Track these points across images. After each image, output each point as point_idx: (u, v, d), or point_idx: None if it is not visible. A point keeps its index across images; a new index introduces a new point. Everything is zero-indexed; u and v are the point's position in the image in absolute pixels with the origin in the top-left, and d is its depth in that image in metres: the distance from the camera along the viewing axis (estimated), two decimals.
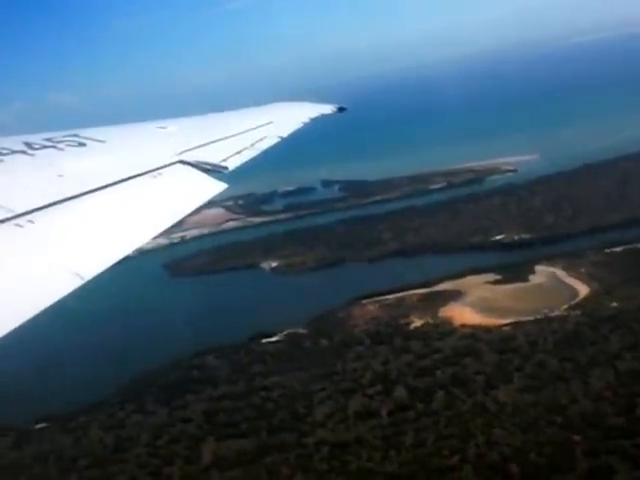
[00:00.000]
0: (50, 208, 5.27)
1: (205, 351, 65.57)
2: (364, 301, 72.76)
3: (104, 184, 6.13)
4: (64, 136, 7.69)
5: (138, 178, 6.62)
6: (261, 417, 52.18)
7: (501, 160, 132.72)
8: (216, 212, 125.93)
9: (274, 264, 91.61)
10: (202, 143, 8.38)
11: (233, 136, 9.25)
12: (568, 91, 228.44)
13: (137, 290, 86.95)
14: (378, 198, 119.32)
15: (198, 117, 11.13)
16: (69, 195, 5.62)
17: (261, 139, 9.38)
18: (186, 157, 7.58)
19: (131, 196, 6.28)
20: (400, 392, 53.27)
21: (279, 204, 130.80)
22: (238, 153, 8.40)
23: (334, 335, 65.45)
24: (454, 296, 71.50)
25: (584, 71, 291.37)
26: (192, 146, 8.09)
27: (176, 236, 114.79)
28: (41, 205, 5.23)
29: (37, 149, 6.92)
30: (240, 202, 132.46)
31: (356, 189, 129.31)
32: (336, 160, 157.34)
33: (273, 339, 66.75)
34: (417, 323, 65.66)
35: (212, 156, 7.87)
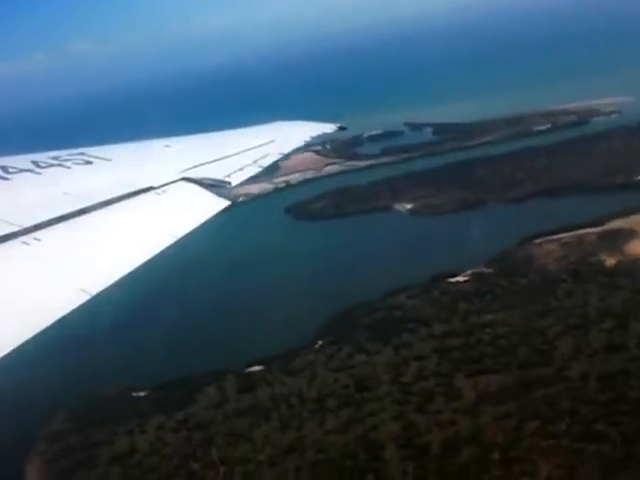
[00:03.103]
0: (55, 225, 5.55)
1: (394, 292, 64.76)
2: (537, 240, 71.85)
3: (109, 201, 6.40)
4: (70, 154, 8.02)
5: (143, 195, 6.92)
6: (501, 354, 51.74)
7: (598, 102, 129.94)
8: (308, 157, 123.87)
9: (409, 206, 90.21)
10: (206, 161, 8.76)
11: (236, 154, 9.56)
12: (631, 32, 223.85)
13: (279, 235, 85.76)
14: (483, 140, 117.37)
15: (202, 135, 11.69)
16: (74, 212, 5.88)
17: (263, 156, 9.78)
18: (190, 174, 7.93)
19: (135, 213, 6.58)
20: (637, 326, 52.95)
21: (374, 148, 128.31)
22: (241, 170, 8.76)
23: (528, 273, 64.81)
24: (632, 234, 70.40)
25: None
26: (196, 164, 8.47)
27: (279, 181, 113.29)
28: (47, 222, 5.51)
29: (44, 167, 7.26)
30: (328, 146, 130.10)
31: (452, 132, 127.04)
32: (411, 104, 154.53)
33: (461, 279, 65.99)
34: (610, 261, 64.84)
35: (215, 173, 8.21)
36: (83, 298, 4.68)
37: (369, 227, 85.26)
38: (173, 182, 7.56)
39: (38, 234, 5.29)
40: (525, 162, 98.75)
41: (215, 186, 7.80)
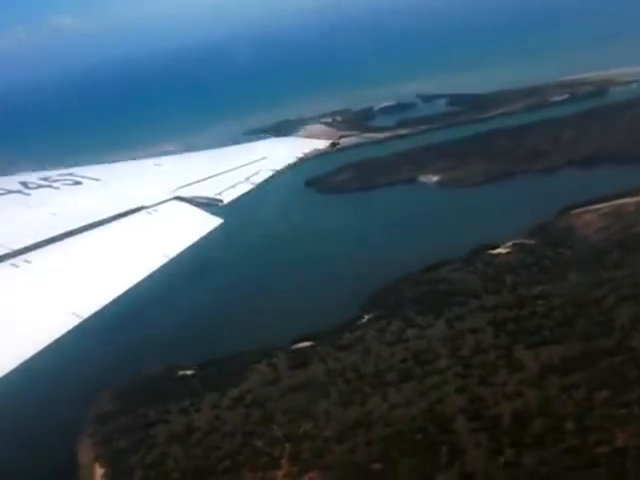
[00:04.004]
0: (45, 247, 5.61)
1: (434, 265, 64.90)
2: (575, 211, 72.23)
3: (99, 222, 6.47)
4: (59, 175, 8.15)
5: (133, 215, 6.97)
6: (559, 325, 52.09)
7: (612, 72, 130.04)
8: (320, 129, 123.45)
9: (435, 178, 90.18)
10: (197, 179, 8.86)
11: (228, 171, 9.67)
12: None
13: (304, 210, 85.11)
14: (501, 111, 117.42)
15: (193, 153, 11.90)
16: (64, 233, 5.95)
17: (256, 173, 9.85)
18: (182, 193, 8.02)
19: (126, 233, 6.63)
20: None
21: (388, 120, 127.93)
22: (233, 187, 8.84)
23: (572, 244, 65.19)
24: None
25: None
26: (188, 182, 8.57)
27: None
28: (36, 244, 5.57)
29: (33, 188, 7.39)
30: (339, 118, 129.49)
31: (467, 103, 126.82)
32: (418, 75, 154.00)
33: (502, 250, 66.23)
34: None
35: (207, 191, 8.36)
36: (75, 321, 4.69)
37: (397, 200, 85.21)
38: (164, 201, 7.61)
39: (28, 256, 5.33)
40: (548, 133, 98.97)
41: (207, 204, 7.88)
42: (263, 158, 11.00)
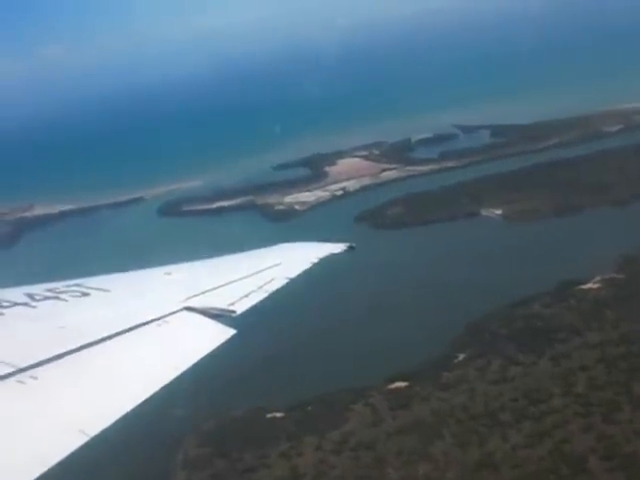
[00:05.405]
0: (52, 363, 5.99)
1: (523, 301, 67.34)
2: None
3: (107, 335, 6.91)
4: (66, 286, 8.71)
5: (143, 327, 7.41)
6: None
7: None
8: (358, 162, 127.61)
9: (498, 212, 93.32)
10: (209, 288, 9.30)
11: (240, 279, 10.11)
12: None
13: (364, 246, 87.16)
14: (552, 142, 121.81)
15: (204, 261, 12.32)
16: (71, 348, 6.34)
17: (270, 281, 10.20)
18: (192, 303, 8.45)
19: (135, 347, 7.06)
20: None
21: (429, 152, 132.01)
22: (246, 296, 9.22)
23: None
24: None
25: None
26: (198, 292, 9.03)
27: (335, 188, 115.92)
28: (43, 359, 5.95)
29: (39, 300, 7.93)
30: (376, 152, 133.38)
31: (513, 134, 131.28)
32: (448, 104, 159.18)
33: (593, 286, 68.85)
34: None
35: (219, 301, 8.73)
36: (82, 440, 4.93)
37: (463, 234, 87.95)
38: (174, 312, 8.04)
39: (34, 372, 5.65)
40: (610, 165, 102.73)
41: (219, 315, 8.26)
42: (277, 265, 11.31)
